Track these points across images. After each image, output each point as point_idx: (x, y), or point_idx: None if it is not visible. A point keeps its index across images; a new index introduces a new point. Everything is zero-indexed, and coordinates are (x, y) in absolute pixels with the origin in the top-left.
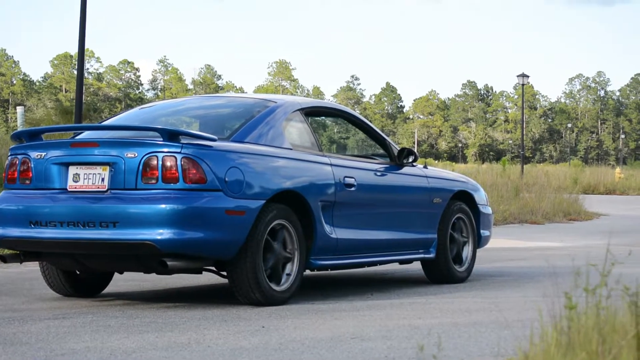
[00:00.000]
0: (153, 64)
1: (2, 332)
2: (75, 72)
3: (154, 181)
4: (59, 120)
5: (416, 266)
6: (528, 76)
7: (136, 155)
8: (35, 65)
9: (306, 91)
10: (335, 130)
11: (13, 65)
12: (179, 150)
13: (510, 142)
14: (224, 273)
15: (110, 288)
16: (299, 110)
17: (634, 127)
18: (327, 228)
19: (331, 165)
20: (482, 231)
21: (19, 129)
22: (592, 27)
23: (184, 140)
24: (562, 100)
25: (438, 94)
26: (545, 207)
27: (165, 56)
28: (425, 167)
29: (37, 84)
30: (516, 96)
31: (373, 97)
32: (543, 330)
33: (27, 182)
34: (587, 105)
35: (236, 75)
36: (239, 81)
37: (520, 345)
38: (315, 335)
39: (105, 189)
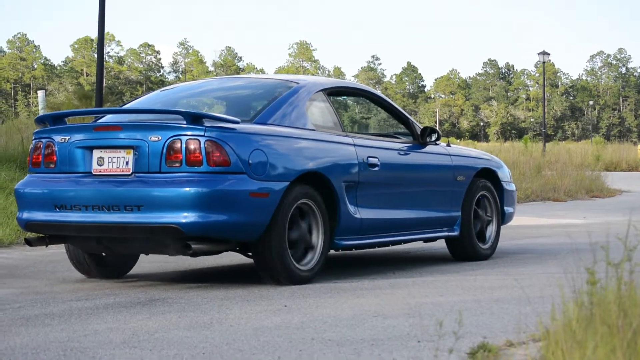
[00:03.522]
0: (174, 46)
1: (25, 314)
2: (96, 55)
3: (177, 164)
4: (79, 105)
5: (439, 244)
6: (549, 54)
7: (160, 138)
8: (56, 50)
9: (327, 72)
10: (357, 110)
11: (34, 50)
12: (202, 133)
13: (532, 120)
14: (250, 254)
15: (133, 269)
16: (321, 90)
17: None
18: (351, 208)
19: (354, 145)
20: (505, 208)
21: (40, 113)
22: (612, 3)
23: (207, 123)
24: (584, 77)
25: (459, 72)
26: (567, 185)
27: (185, 39)
28: (448, 145)
29: (58, 68)
30: (537, 74)
31: (394, 77)
32: (565, 306)
33: (52, 166)
34: (608, 82)
35: (257, 57)
36: (259, 63)
37: (542, 320)
38: (337, 314)
39: (129, 173)
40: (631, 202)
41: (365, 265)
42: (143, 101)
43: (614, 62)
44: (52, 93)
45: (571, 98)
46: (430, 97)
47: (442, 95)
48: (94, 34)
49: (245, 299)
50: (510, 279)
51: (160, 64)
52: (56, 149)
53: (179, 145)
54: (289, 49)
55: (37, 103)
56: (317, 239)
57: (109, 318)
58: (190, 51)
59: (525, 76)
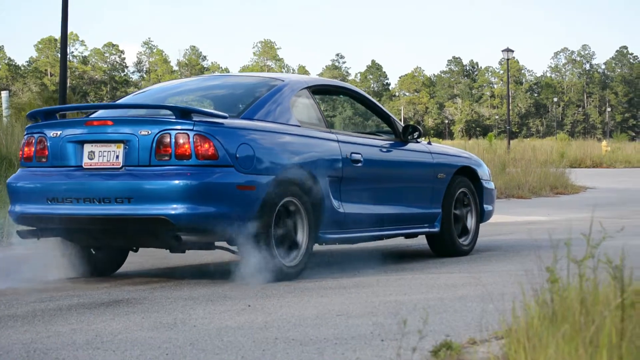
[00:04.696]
0: (138, 46)
1: None
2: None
3: (167, 158)
4: (42, 106)
5: (403, 242)
6: (513, 51)
7: (150, 132)
8: (20, 50)
9: (292, 70)
10: (340, 108)
11: None
12: (191, 127)
13: (497, 117)
14: (234, 249)
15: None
16: (305, 88)
17: (620, 100)
18: (335, 203)
19: (338, 141)
20: (485, 206)
21: (4, 113)
22: (576, 0)
23: (195, 118)
24: (548, 74)
25: (423, 70)
26: (532, 182)
27: (149, 38)
28: (429, 143)
29: (22, 68)
30: (502, 71)
31: (358, 75)
32: (526, 304)
33: (44, 160)
34: (572, 79)
35: (221, 56)
36: (224, 62)
37: (504, 318)
38: (301, 313)
39: (119, 166)
40: (595, 198)
41: (330, 265)
42: (132, 98)
43: (578, 58)
44: (16, 93)
45: (535, 95)
46: (394, 95)
47: (407, 93)
48: (57, 34)
49: (209, 299)
50: (474, 277)
51: (124, 64)
52: (48, 143)
53: (168, 139)
54: (253, 47)
55: (1, 103)
56: (303, 233)
57: (72, 319)
58: (155, 50)
59: (490, 73)
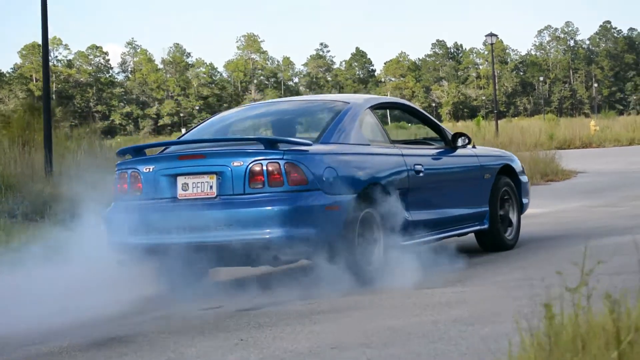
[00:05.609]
0: (122, 46)
1: None
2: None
3: (260, 185)
4: (29, 117)
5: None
6: (496, 35)
7: (242, 163)
8: (4, 57)
9: (276, 62)
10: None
11: None
12: (281, 156)
13: (484, 98)
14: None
15: (80, 305)
16: (369, 107)
17: (606, 75)
18: (405, 212)
19: (402, 155)
20: (523, 199)
21: None
22: None
23: (283, 147)
24: (533, 52)
25: (408, 55)
26: None
27: (133, 38)
28: (474, 147)
29: (7, 75)
30: (486, 52)
31: (343, 63)
32: (522, 342)
33: (138, 193)
34: (557, 56)
35: (206, 52)
36: (208, 57)
37: (501, 346)
38: (294, 347)
39: (214, 195)
40: (586, 184)
41: (320, 282)
42: (202, 130)
43: (562, 35)
44: (2, 100)
45: (521, 74)
46: (380, 81)
47: (393, 79)
48: (41, 39)
49: (201, 331)
50: (465, 291)
51: (109, 65)
52: (141, 177)
53: (260, 168)
54: (237, 42)
55: None
56: (379, 241)
57: None
58: (139, 50)
59: (475, 55)
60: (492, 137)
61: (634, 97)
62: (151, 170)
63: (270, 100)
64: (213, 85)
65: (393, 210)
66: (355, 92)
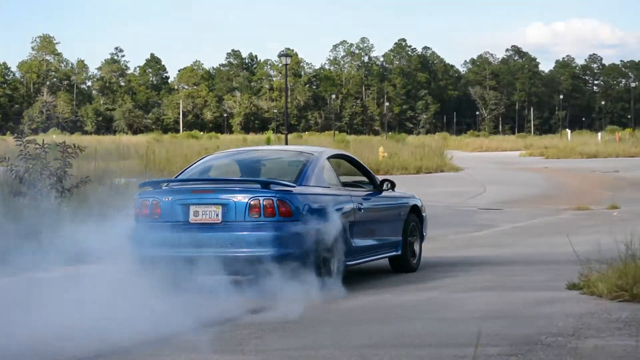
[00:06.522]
0: None
1: None
2: None
3: (257, 215)
4: None
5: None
6: (291, 56)
7: (243, 198)
8: None
9: (70, 64)
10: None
11: None
12: (274, 194)
13: (275, 110)
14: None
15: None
16: (327, 158)
17: (398, 92)
18: (351, 239)
19: (351, 196)
20: (424, 232)
21: None
22: None
23: (274, 187)
24: (327, 67)
25: (203, 64)
26: None
27: None
28: (393, 190)
29: None
30: (280, 64)
31: (138, 68)
32: None
33: (157, 217)
34: (351, 71)
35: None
36: (2, 57)
37: None
38: None
39: (219, 221)
40: None
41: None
42: (202, 170)
43: (357, 51)
44: None
45: (314, 87)
46: (174, 89)
47: (186, 87)
48: None
49: None
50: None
51: None
52: (161, 205)
53: (257, 202)
54: (32, 42)
55: None
56: (334, 258)
57: None
58: None
59: (269, 67)
60: None
61: (424, 116)
62: (169, 200)
63: (251, 148)
64: (5, 85)
65: (344, 237)
66: (147, 99)
